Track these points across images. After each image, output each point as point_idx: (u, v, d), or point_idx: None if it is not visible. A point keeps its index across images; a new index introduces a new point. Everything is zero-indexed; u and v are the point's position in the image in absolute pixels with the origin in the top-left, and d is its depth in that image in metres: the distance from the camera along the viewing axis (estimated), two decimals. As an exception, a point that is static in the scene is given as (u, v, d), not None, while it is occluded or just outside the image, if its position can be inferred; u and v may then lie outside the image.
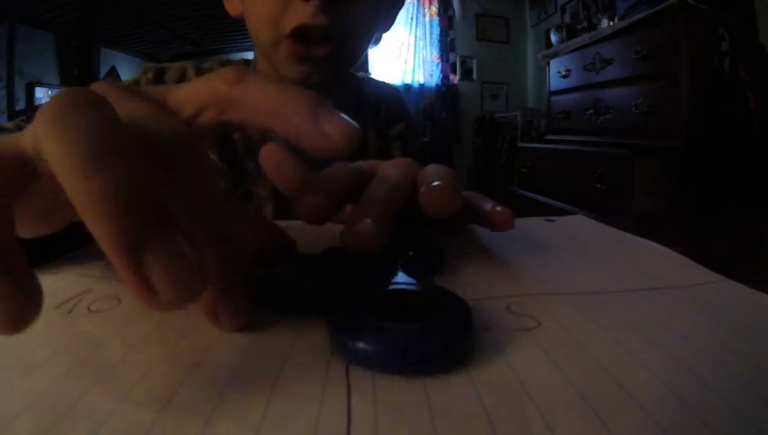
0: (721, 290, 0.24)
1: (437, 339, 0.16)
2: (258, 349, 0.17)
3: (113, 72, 2.85)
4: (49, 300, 0.22)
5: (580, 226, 0.40)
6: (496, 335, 0.18)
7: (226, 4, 0.56)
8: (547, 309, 0.21)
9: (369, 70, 3.50)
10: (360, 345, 0.15)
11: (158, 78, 0.56)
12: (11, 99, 1.84)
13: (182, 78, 0.56)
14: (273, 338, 0.18)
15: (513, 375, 0.15)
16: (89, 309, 0.21)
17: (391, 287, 0.20)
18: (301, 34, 0.45)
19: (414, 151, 0.63)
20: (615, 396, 0.14)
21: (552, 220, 0.41)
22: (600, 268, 0.27)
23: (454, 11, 3.83)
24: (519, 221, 0.41)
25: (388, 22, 0.60)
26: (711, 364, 0.16)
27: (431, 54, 3.81)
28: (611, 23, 2.34)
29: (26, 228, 0.18)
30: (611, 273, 0.26)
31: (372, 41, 0.57)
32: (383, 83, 0.71)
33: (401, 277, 0.21)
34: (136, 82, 0.55)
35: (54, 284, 0.24)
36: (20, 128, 0.47)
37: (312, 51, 0.47)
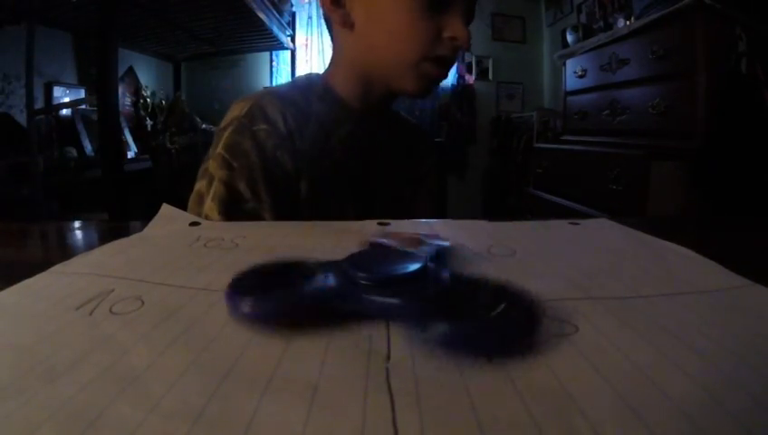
0: (750, 295, 0.23)
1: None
2: (292, 353, 0.16)
3: (131, 72, 2.88)
4: (68, 301, 0.21)
5: (605, 229, 0.39)
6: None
7: (333, 15, 0.59)
8: (584, 314, 0.20)
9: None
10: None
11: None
12: (30, 98, 1.86)
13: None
14: (306, 342, 0.17)
15: (556, 382, 0.15)
16: (111, 311, 0.20)
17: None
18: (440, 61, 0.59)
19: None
20: (658, 403, 0.14)
21: (577, 223, 0.40)
22: (631, 272, 0.27)
23: (469, 10, 3.81)
24: (543, 223, 0.41)
25: None
26: (749, 370, 0.16)
27: (446, 54, 3.79)
28: (627, 22, 2.30)
29: None
30: (642, 277, 0.26)
31: None
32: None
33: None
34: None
35: (71, 283, 0.23)
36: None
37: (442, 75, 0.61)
